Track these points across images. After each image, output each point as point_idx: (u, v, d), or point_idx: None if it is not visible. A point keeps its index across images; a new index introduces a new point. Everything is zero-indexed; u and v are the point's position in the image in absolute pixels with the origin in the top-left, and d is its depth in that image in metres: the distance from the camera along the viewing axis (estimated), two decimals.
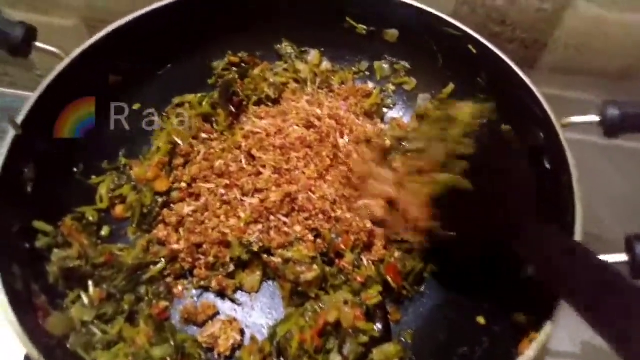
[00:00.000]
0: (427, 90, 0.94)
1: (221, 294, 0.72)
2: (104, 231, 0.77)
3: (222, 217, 0.74)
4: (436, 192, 0.61)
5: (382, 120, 0.93)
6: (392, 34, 0.93)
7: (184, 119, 0.84)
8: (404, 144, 0.74)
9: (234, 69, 0.91)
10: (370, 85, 0.95)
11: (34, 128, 0.73)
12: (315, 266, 0.67)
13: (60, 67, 0.77)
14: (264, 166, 0.77)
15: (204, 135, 0.84)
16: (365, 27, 0.93)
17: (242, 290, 0.73)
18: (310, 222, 0.73)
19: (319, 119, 0.82)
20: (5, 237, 0.66)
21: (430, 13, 0.86)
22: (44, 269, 0.67)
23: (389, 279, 0.68)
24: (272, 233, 0.72)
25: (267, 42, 0.95)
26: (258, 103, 0.89)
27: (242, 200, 0.75)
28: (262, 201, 0.74)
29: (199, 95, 0.89)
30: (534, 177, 0.67)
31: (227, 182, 0.77)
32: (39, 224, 0.70)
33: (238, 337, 0.67)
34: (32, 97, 0.73)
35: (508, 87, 0.80)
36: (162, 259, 0.73)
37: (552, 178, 0.73)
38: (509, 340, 0.62)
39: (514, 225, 0.58)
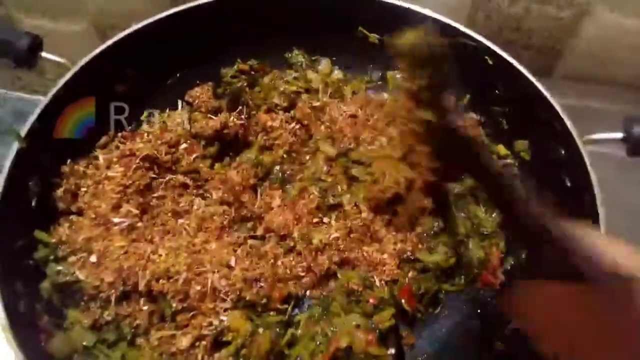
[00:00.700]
0: None
1: None
2: None
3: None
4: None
5: None
6: None
7: None
8: None
9: (243, 76, 0.89)
10: (385, 95, 0.92)
11: (38, 140, 0.72)
12: None
13: (66, 77, 0.75)
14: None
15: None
16: (377, 36, 0.90)
17: None
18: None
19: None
20: (9, 252, 0.65)
21: (444, 23, 0.83)
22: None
23: (403, 301, 0.66)
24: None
25: (277, 50, 0.93)
26: (268, 111, 0.87)
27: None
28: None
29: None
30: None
31: None
32: (40, 235, 0.69)
33: None
34: (37, 109, 0.72)
35: (526, 100, 0.77)
36: None
37: (573, 196, 0.70)
38: None
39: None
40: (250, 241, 0.72)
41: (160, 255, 0.67)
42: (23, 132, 0.70)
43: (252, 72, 0.90)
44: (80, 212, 0.73)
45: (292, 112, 0.86)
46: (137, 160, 0.75)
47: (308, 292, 0.69)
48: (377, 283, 0.68)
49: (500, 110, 0.84)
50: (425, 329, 0.69)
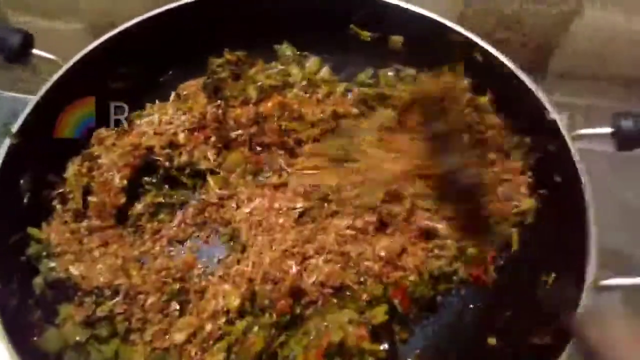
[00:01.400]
0: None
1: None
2: None
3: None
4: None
5: None
6: (397, 40, 0.90)
7: None
8: None
9: (229, 67, 0.88)
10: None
11: (30, 137, 0.72)
12: None
13: (57, 74, 0.75)
14: None
15: None
16: (369, 33, 0.91)
17: None
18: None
19: None
20: (1, 249, 0.65)
21: (435, 20, 0.84)
22: None
23: (396, 302, 0.66)
24: None
25: (269, 45, 0.93)
26: (243, 104, 0.85)
27: None
28: None
29: None
30: None
31: None
32: (32, 231, 0.69)
33: None
34: (28, 106, 0.72)
35: (515, 95, 0.78)
36: None
37: (562, 192, 0.71)
38: None
39: None
40: None
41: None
42: (14, 129, 0.70)
43: (240, 64, 0.89)
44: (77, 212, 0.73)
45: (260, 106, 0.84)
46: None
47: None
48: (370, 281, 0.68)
49: None
50: (419, 325, 0.69)
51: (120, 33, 0.82)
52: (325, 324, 0.63)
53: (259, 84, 0.86)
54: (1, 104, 1.12)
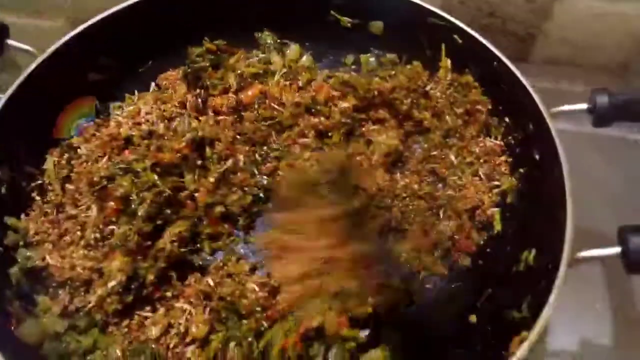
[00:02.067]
0: None
1: None
2: None
3: None
4: None
5: None
6: (377, 26, 0.90)
7: None
8: None
9: (209, 56, 0.87)
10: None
11: (7, 128, 0.71)
12: None
13: (33, 65, 0.75)
14: None
15: None
16: (349, 19, 0.91)
17: None
18: None
19: None
20: None
21: (415, 3, 0.84)
22: None
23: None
24: None
25: (249, 33, 0.92)
26: (224, 93, 0.85)
27: None
28: None
29: None
30: None
31: None
32: (10, 220, 0.68)
33: None
34: (3, 97, 0.71)
35: (496, 76, 0.78)
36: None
37: (541, 170, 0.71)
38: (501, 340, 0.60)
39: None
40: None
41: None
42: None
43: (219, 53, 0.88)
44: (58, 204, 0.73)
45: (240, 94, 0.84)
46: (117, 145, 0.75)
47: None
48: None
49: None
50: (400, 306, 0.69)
51: (97, 23, 0.81)
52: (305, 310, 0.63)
53: (239, 72, 0.86)
54: None
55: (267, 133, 0.82)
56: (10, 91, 0.72)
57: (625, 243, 0.56)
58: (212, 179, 0.73)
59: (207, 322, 0.64)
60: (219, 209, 0.73)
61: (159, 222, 0.68)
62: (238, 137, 0.81)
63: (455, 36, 0.82)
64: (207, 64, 0.86)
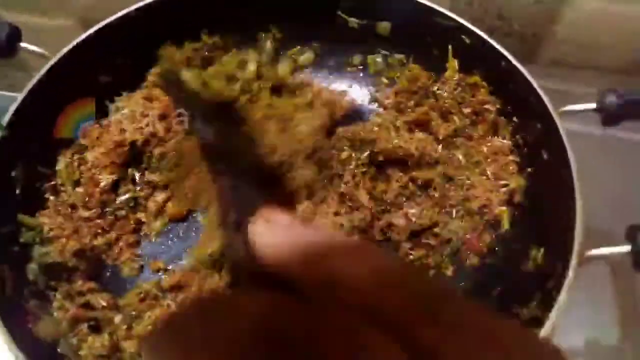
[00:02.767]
0: None
1: None
2: None
3: None
4: None
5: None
6: (385, 26, 0.91)
7: None
8: None
9: (204, 52, 0.88)
10: None
11: (20, 129, 0.72)
12: None
13: (46, 67, 0.76)
14: None
15: None
16: (357, 20, 0.91)
17: None
18: None
19: None
20: None
21: (423, 4, 0.84)
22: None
23: None
24: None
25: (254, 32, 0.92)
26: None
27: None
28: None
29: None
30: None
31: None
32: (24, 218, 0.69)
33: None
34: (19, 97, 0.72)
35: (503, 76, 0.78)
36: None
37: (550, 169, 0.71)
38: None
39: None
40: None
41: None
42: (4, 122, 0.70)
43: (214, 49, 0.89)
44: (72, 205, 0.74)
45: None
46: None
47: None
48: None
49: None
50: None
51: (111, 23, 0.82)
52: None
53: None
54: None
55: None
56: (23, 92, 0.73)
57: (634, 241, 0.56)
58: None
59: None
60: None
61: None
62: None
63: (463, 36, 0.82)
64: (199, 60, 0.86)
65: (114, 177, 0.77)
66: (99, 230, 0.74)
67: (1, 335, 0.56)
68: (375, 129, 0.81)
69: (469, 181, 0.77)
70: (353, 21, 0.91)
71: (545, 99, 0.71)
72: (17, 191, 0.71)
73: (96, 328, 0.65)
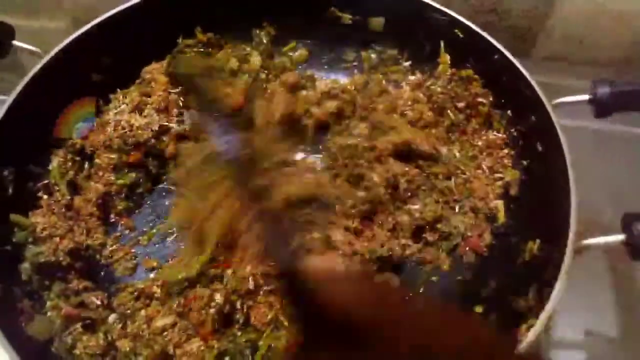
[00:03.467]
0: None
1: None
2: None
3: None
4: None
5: None
6: (378, 22, 0.91)
7: None
8: None
9: (196, 49, 0.87)
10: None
11: (12, 129, 0.71)
12: None
13: (38, 66, 0.75)
14: None
15: None
16: (350, 16, 0.91)
17: None
18: None
19: None
20: None
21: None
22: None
23: None
24: None
25: (247, 28, 0.92)
26: None
27: None
28: None
29: None
30: None
31: None
32: (16, 218, 0.69)
33: None
34: (9, 98, 0.72)
35: (497, 69, 0.78)
36: None
37: (544, 161, 0.71)
38: (507, 329, 0.60)
39: None
40: None
41: None
42: None
43: (209, 46, 0.88)
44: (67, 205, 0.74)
45: None
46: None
47: None
48: None
49: None
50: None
51: (103, 22, 0.81)
52: None
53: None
54: None
55: None
56: (16, 91, 0.73)
57: (629, 230, 0.56)
58: None
59: None
60: None
61: None
62: None
63: (457, 31, 0.82)
64: (193, 55, 0.86)
65: (114, 177, 0.77)
66: (94, 229, 0.73)
67: None
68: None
69: (464, 175, 0.77)
70: (346, 17, 0.91)
71: (539, 91, 0.71)
72: (10, 191, 0.70)
73: (90, 327, 0.65)
